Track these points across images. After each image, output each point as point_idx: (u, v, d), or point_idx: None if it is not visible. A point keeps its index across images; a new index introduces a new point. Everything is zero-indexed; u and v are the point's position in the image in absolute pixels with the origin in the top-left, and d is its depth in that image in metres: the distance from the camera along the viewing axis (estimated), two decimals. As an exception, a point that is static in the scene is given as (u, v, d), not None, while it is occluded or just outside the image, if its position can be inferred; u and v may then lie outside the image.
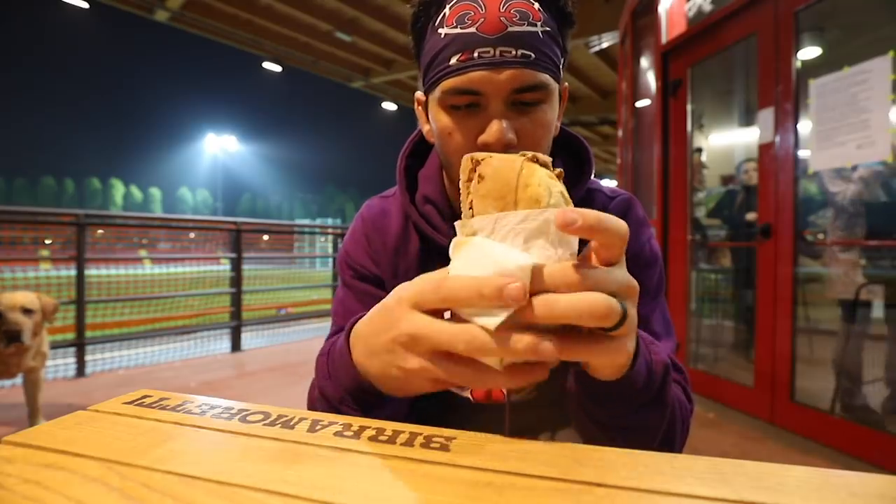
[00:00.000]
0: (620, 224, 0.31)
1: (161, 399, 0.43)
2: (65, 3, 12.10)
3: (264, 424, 0.37)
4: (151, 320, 4.36)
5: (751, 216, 2.68)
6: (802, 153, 2.23)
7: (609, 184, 0.67)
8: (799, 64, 2.23)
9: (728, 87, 3.35)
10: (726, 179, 3.42)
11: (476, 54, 0.48)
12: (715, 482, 0.28)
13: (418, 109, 0.60)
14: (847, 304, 2.28)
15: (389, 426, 0.37)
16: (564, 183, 0.36)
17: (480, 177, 0.34)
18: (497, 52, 0.48)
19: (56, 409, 2.29)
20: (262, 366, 3.56)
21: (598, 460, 0.31)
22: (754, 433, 2.25)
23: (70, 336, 3.12)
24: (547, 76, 0.50)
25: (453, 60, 0.49)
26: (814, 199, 2.63)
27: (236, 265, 4.10)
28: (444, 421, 0.41)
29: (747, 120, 3.26)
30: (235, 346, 4.01)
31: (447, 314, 0.34)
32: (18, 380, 2.04)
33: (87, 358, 3.15)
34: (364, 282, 0.64)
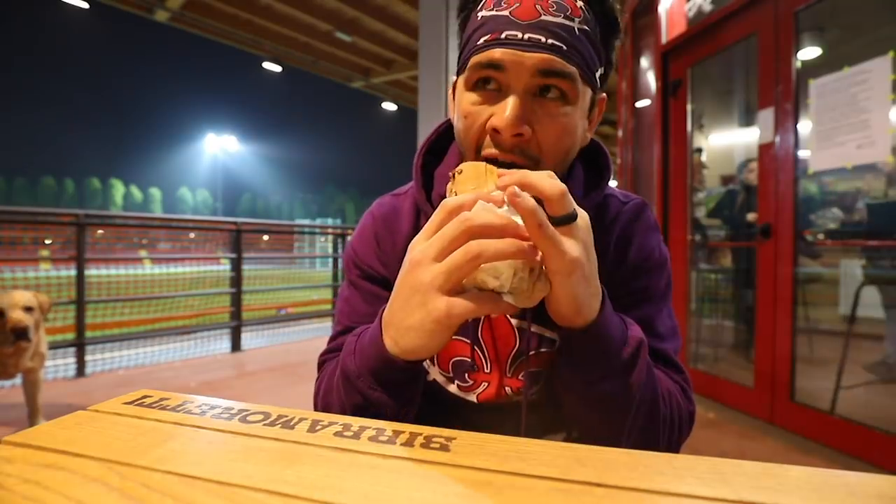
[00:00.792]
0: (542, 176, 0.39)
1: (161, 399, 0.43)
2: (65, 3, 12.08)
3: (264, 424, 0.37)
4: (151, 320, 4.36)
5: (751, 216, 2.68)
6: (802, 153, 2.23)
7: (609, 184, 0.67)
8: (799, 64, 2.23)
9: (728, 87, 3.35)
10: (726, 179, 3.41)
11: (504, 35, 0.48)
12: (715, 482, 0.28)
13: (450, 95, 0.59)
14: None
15: (389, 426, 0.37)
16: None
17: (460, 171, 0.44)
18: (525, 37, 0.47)
19: (56, 409, 2.29)
20: (262, 366, 3.56)
21: (598, 460, 0.31)
22: (754, 433, 2.25)
23: (70, 336, 3.12)
24: (576, 70, 0.48)
25: (482, 40, 0.49)
26: (814, 199, 2.64)
27: (236, 265, 4.10)
28: (446, 422, 0.41)
29: (747, 120, 3.26)
30: (235, 346, 4.01)
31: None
32: (18, 380, 2.04)
33: (87, 358, 3.15)
34: (371, 283, 0.63)
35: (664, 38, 3.00)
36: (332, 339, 0.64)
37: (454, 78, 0.58)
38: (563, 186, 0.40)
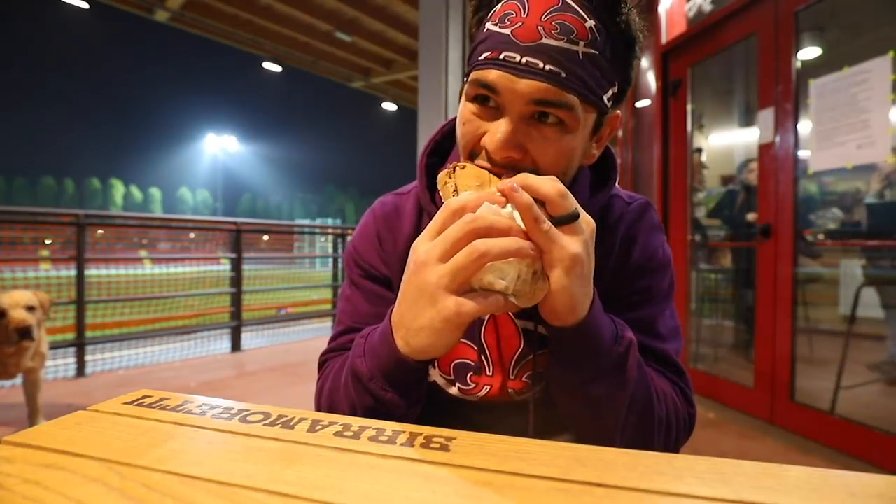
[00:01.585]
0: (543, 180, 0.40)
1: (161, 399, 0.43)
2: (65, 3, 12.10)
3: (264, 424, 0.37)
4: (151, 320, 4.36)
5: (751, 216, 2.69)
6: (802, 153, 2.23)
7: (619, 189, 0.67)
8: (799, 64, 2.23)
9: (728, 87, 3.35)
10: (726, 179, 3.42)
11: (502, 56, 0.46)
12: (715, 482, 0.28)
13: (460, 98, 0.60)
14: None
15: (389, 426, 0.37)
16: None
17: (463, 166, 0.46)
18: (523, 60, 0.45)
19: (56, 409, 2.29)
20: (262, 366, 3.56)
21: (598, 460, 0.31)
22: (754, 433, 2.25)
23: (70, 336, 3.12)
24: (574, 98, 0.46)
25: (482, 56, 0.48)
26: (814, 199, 2.64)
27: (236, 265, 4.10)
28: (446, 422, 0.41)
29: (747, 120, 3.26)
30: (235, 346, 4.01)
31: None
32: (18, 380, 2.04)
33: (87, 358, 3.15)
34: (373, 282, 0.63)
35: (664, 38, 3.00)
36: (334, 338, 0.64)
37: (464, 81, 0.58)
38: (563, 188, 0.40)
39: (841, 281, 2.55)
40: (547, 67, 0.45)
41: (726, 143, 3.57)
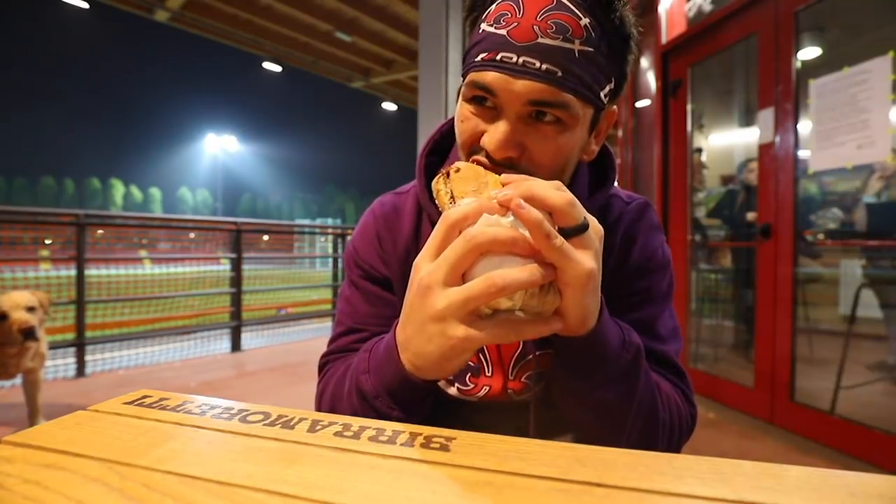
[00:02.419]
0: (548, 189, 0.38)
1: (161, 399, 0.43)
2: (65, 3, 12.09)
3: (264, 424, 0.37)
4: (151, 320, 4.36)
5: (751, 216, 2.69)
6: (802, 153, 2.23)
7: (618, 188, 0.67)
8: (799, 64, 2.23)
9: (728, 87, 3.35)
10: (726, 179, 3.42)
11: (499, 57, 0.46)
12: (715, 482, 0.28)
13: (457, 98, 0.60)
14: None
15: (389, 426, 0.37)
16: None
17: (457, 169, 0.43)
18: (520, 60, 0.45)
19: (56, 409, 2.29)
20: (262, 366, 3.56)
21: (598, 460, 0.31)
22: (754, 433, 2.25)
23: (70, 336, 3.12)
24: (571, 97, 0.47)
25: (479, 57, 0.48)
26: (814, 199, 2.64)
27: (236, 265, 4.10)
28: (446, 422, 0.41)
29: (747, 120, 3.26)
30: (235, 346, 4.01)
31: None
32: (18, 380, 2.04)
33: (87, 358, 3.15)
34: (373, 283, 0.63)
35: (664, 38, 3.00)
36: (334, 339, 0.64)
37: (462, 81, 0.58)
38: (571, 196, 0.38)
39: (841, 281, 2.55)
40: (544, 67, 0.45)
41: (726, 143, 3.57)
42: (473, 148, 0.51)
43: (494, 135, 0.47)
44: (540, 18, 0.45)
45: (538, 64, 0.45)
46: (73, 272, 3.12)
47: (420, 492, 0.27)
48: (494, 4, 0.49)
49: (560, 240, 0.36)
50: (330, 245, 6.37)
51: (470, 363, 0.58)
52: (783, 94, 2.26)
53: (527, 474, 0.29)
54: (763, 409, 2.34)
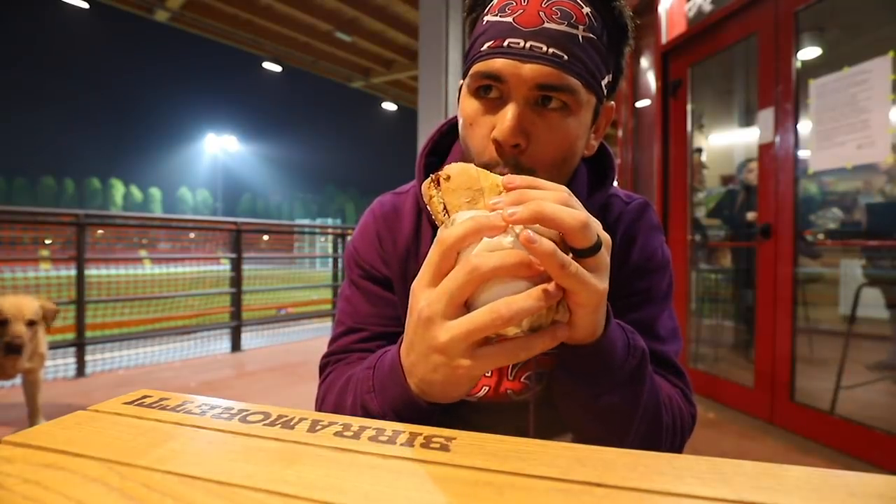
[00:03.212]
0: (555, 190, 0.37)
1: (161, 399, 0.43)
2: (65, 3, 12.10)
3: (264, 424, 0.37)
4: (151, 320, 4.36)
5: (751, 216, 2.69)
6: (802, 153, 2.23)
7: (617, 188, 0.67)
8: (799, 64, 2.23)
9: (728, 87, 3.35)
10: (726, 179, 3.42)
11: (506, 43, 0.47)
12: (715, 482, 0.28)
13: (457, 98, 0.60)
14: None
15: (389, 426, 0.37)
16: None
17: (447, 177, 0.39)
18: (527, 45, 0.46)
19: (56, 409, 2.29)
20: (262, 366, 3.56)
21: (598, 460, 0.31)
22: (754, 433, 2.25)
23: (70, 336, 3.12)
24: (578, 82, 0.47)
25: (485, 46, 0.49)
26: (814, 199, 2.64)
27: (236, 265, 4.10)
28: (446, 422, 0.41)
29: (747, 120, 3.26)
30: (235, 346, 4.01)
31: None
32: (18, 380, 2.04)
33: (87, 358, 3.15)
34: (373, 282, 0.63)
35: (664, 38, 3.00)
36: (334, 339, 0.64)
37: (461, 81, 0.58)
38: (585, 214, 0.36)
39: (841, 281, 2.55)
40: (550, 51, 0.46)
41: (726, 143, 3.58)
42: (484, 151, 0.51)
43: (503, 121, 0.48)
44: (545, 5, 0.47)
45: (545, 48, 0.46)
46: (73, 272, 3.12)
47: (420, 492, 0.27)
48: None
49: (574, 266, 0.35)
50: (330, 245, 6.37)
51: None
52: (783, 94, 2.26)
53: (527, 474, 0.29)
54: (763, 409, 2.34)
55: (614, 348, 0.44)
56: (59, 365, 3.07)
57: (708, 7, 2.66)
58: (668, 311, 0.61)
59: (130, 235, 5.60)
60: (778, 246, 2.29)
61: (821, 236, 2.52)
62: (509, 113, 0.47)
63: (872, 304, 2.34)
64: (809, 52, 2.31)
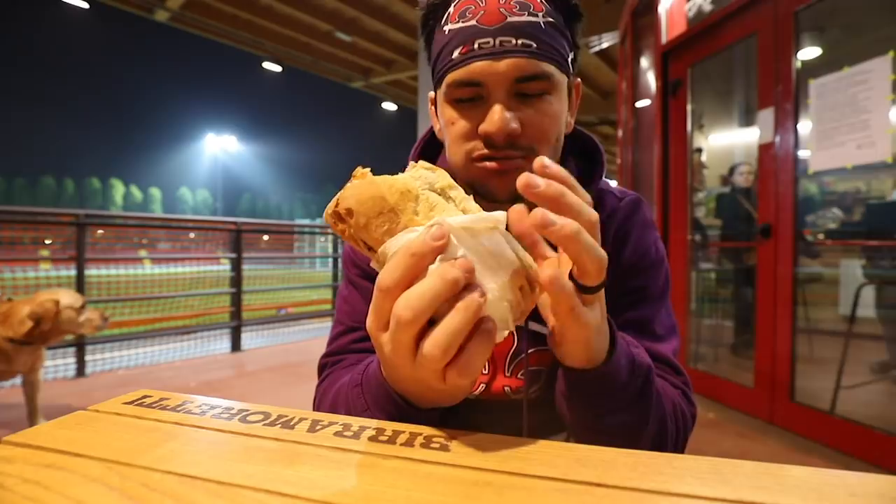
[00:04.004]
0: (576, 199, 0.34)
1: (161, 399, 0.43)
2: (65, 2, 12.09)
3: (264, 424, 0.37)
4: (151, 320, 4.36)
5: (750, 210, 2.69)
6: (802, 153, 2.23)
7: (611, 184, 0.67)
8: (799, 64, 2.23)
9: (728, 87, 3.35)
10: (726, 180, 3.42)
11: (476, 45, 0.48)
12: (715, 482, 0.28)
13: (431, 109, 0.60)
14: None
15: (389, 426, 0.37)
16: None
17: (348, 212, 0.33)
18: (497, 42, 0.48)
19: (56, 409, 2.29)
20: (262, 366, 3.56)
21: (598, 460, 0.31)
22: (754, 433, 2.25)
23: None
24: (551, 66, 0.49)
25: (455, 54, 0.50)
26: (814, 199, 2.64)
27: (236, 265, 4.10)
28: (446, 422, 0.41)
29: (747, 120, 3.26)
30: (235, 346, 4.01)
31: None
32: (18, 379, 2.04)
33: (87, 358, 3.15)
34: (371, 282, 0.62)
35: (664, 38, 3.00)
36: (333, 339, 0.64)
37: (431, 94, 0.59)
38: (605, 254, 0.35)
39: (841, 281, 2.55)
40: (520, 42, 0.48)
41: (726, 143, 3.58)
42: (473, 150, 0.51)
43: (492, 119, 0.48)
44: (503, 1, 0.48)
45: (514, 41, 0.48)
46: (73, 272, 3.12)
47: (420, 492, 0.27)
48: (452, 6, 0.51)
49: (580, 308, 0.35)
50: (330, 245, 6.37)
51: None
52: (783, 94, 2.26)
53: (527, 474, 0.29)
54: (763, 409, 2.34)
55: (618, 371, 0.42)
56: (59, 365, 3.07)
57: (708, 7, 2.66)
58: (666, 308, 0.60)
59: (130, 235, 5.59)
60: (778, 246, 2.29)
61: (821, 236, 2.52)
62: (497, 108, 0.49)
63: (872, 303, 2.34)
64: (809, 52, 2.31)
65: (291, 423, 0.37)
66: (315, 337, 4.71)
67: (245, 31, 9.61)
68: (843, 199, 2.62)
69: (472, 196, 0.36)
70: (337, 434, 0.36)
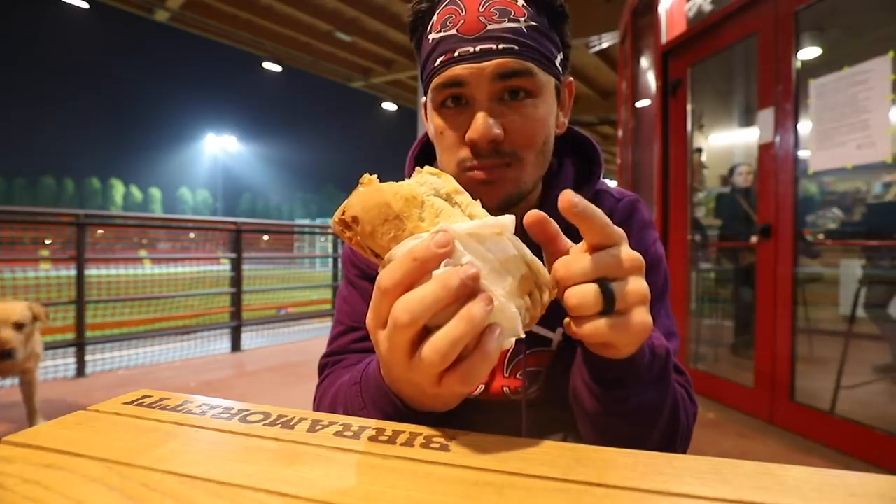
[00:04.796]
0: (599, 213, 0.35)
1: (161, 399, 0.43)
2: (65, 3, 12.09)
3: (264, 424, 0.37)
4: (151, 320, 4.36)
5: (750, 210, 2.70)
6: (802, 153, 2.23)
7: (610, 184, 0.67)
8: (799, 64, 2.23)
9: (728, 87, 3.36)
10: (726, 180, 3.43)
11: (457, 53, 0.49)
12: (715, 482, 0.28)
13: (423, 114, 0.60)
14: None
15: (389, 426, 0.37)
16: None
17: (354, 220, 0.33)
18: (477, 49, 0.48)
19: (56, 409, 2.29)
20: (262, 366, 3.56)
21: (598, 460, 0.31)
22: (754, 433, 2.25)
23: (70, 336, 3.12)
24: (534, 66, 0.50)
25: (437, 62, 0.50)
26: (814, 199, 2.64)
27: (236, 265, 4.10)
28: (445, 422, 0.41)
29: (747, 120, 3.26)
30: (235, 346, 4.01)
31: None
32: (17, 379, 2.04)
33: (87, 358, 3.15)
34: (370, 282, 0.63)
35: (664, 38, 3.00)
36: (333, 339, 0.64)
37: (422, 99, 0.59)
38: (651, 323, 0.37)
39: (841, 281, 2.55)
40: (500, 47, 0.48)
41: (726, 142, 3.58)
42: (462, 157, 0.52)
43: (476, 125, 0.49)
44: (482, 9, 0.49)
45: (495, 47, 0.48)
46: (73, 272, 3.12)
47: (420, 492, 0.27)
48: (436, 14, 0.51)
49: (620, 328, 0.36)
50: (330, 245, 6.37)
51: None
52: (783, 94, 2.26)
53: (527, 474, 0.29)
54: (763, 409, 2.34)
55: (644, 353, 0.42)
56: (59, 365, 3.07)
57: (708, 7, 2.66)
58: (665, 309, 0.60)
59: (130, 235, 5.59)
60: (778, 246, 2.29)
61: (821, 236, 2.52)
62: (480, 112, 0.49)
63: (872, 304, 2.34)
64: (809, 52, 2.31)
65: (291, 423, 0.37)
66: (315, 337, 4.71)
67: (245, 31, 9.61)
68: (843, 199, 2.62)
69: (478, 201, 0.36)
70: (337, 434, 0.36)
